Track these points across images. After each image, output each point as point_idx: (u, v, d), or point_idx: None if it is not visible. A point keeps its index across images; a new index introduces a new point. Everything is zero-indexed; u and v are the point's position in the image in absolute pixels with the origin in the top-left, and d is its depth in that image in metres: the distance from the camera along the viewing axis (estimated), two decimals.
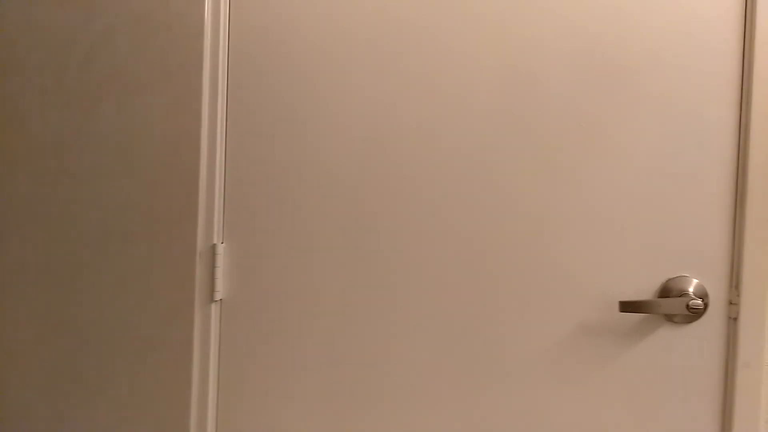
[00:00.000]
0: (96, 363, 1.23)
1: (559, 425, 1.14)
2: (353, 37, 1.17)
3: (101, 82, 1.22)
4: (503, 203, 1.14)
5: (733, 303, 1.10)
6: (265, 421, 1.20)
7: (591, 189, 1.13)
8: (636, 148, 1.12)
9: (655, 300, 1.10)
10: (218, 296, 1.19)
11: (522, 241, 1.14)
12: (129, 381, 1.21)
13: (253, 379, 1.20)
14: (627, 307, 1.09)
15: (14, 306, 1.26)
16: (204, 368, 1.19)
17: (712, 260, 1.10)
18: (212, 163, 1.19)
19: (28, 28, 1.25)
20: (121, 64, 1.21)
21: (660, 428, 1.12)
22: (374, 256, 1.17)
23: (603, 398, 1.13)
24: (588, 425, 1.13)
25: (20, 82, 1.25)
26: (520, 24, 1.14)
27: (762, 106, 1.08)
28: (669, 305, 1.08)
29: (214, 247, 1.19)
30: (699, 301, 1.07)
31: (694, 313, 1.08)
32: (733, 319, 1.10)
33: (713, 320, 1.11)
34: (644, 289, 1.12)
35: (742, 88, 1.10)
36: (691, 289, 1.10)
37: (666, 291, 1.11)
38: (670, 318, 1.11)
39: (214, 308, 1.20)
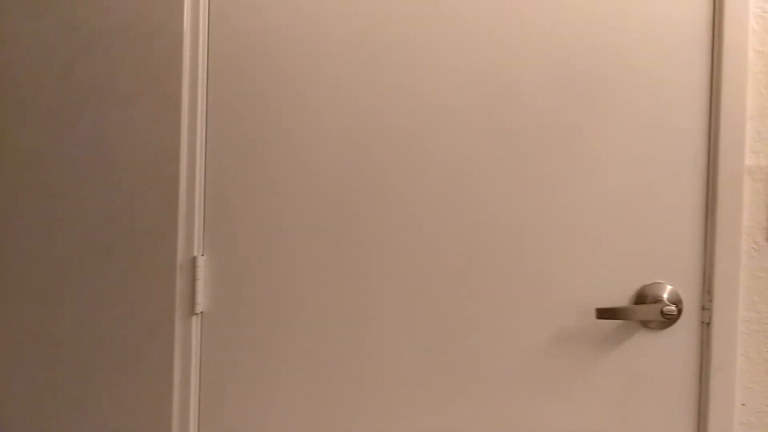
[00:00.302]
0: (76, 376, 1.22)
1: (538, 430, 1.15)
2: (335, 47, 1.18)
3: (80, 94, 1.21)
4: (481, 212, 1.16)
5: (705, 308, 1.12)
6: None
7: (567, 198, 1.15)
8: (610, 157, 1.14)
9: (631, 306, 1.12)
10: (199, 309, 1.19)
11: (500, 250, 1.16)
12: (110, 394, 1.21)
13: (234, 391, 1.20)
14: (603, 313, 1.10)
15: None
16: (185, 381, 1.19)
17: (684, 267, 1.13)
18: (192, 175, 1.19)
19: (7, 41, 1.24)
20: (101, 77, 1.21)
21: (637, 431, 1.14)
22: (355, 267, 1.18)
23: (581, 403, 1.15)
24: (566, 430, 1.15)
25: None
26: (498, 36, 1.15)
27: (730, 115, 1.11)
28: (644, 311, 1.10)
29: (194, 259, 1.19)
30: (673, 307, 1.09)
31: (669, 319, 1.10)
32: (706, 324, 1.12)
33: (687, 325, 1.13)
34: (620, 296, 1.14)
35: (711, 99, 1.13)
36: (665, 296, 1.12)
37: (641, 297, 1.13)
38: (645, 324, 1.13)
39: (195, 321, 1.19)
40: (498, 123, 1.16)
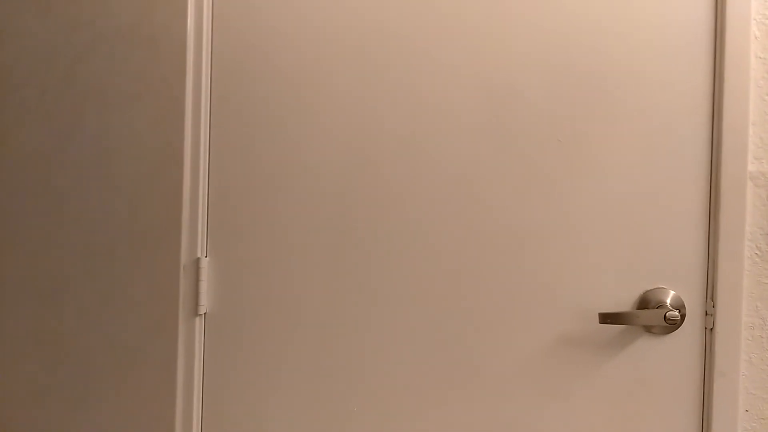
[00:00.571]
0: (80, 377, 1.21)
1: None
2: (337, 50, 1.18)
3: (84, 95, 1.21)
4: (483, 215, 1.16)
5: (708, 314, 1.12)
6: None
7: (570, 202, 1.15)
8: (613, 162, 1.14)
9: (634, 311, 1.12)
10: (202, 310, 1.19)
11: (502, 253, 1.16)
12: (113, 395, 1.20)
13: (237, 392, 1.20)
14: (606, 318, 1.10)
15: None
16: (188, 382, 1.18)
17: (687, 272, 1.13)
18: (196, 177, 1.19)
19: (11, 41, 1.24)
20: (104, 78, 1.21)
21: None
22: (357, 269, 1.18)
23: (583, 408, 1.14)
24: None
25: (2, 96, 1.24)
26: (500, 38, 1.16)
27: (733, 121, 1.11)
28: (647, 316, 1.10)
29: (198, 260, 1.19)
30: (676, 313, 1.09)
31: (672, 324, 1.10)
32: (709, 330, 1.12)
33: (690, 331, 1.13)
34: (623, 301, 1.14)
35: (713, 105, 1.13)
36: (668, 301, 1.12)
37: (644, 302, 1.13)
38: (648, 329, 1.13)
39: (198, 322, 1.19)
40: (500, 126, 1.16)
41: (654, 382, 1.13)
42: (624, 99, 1.14)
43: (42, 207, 1.23)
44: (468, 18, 1.17)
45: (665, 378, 1.13)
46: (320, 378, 1.18)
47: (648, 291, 1.13)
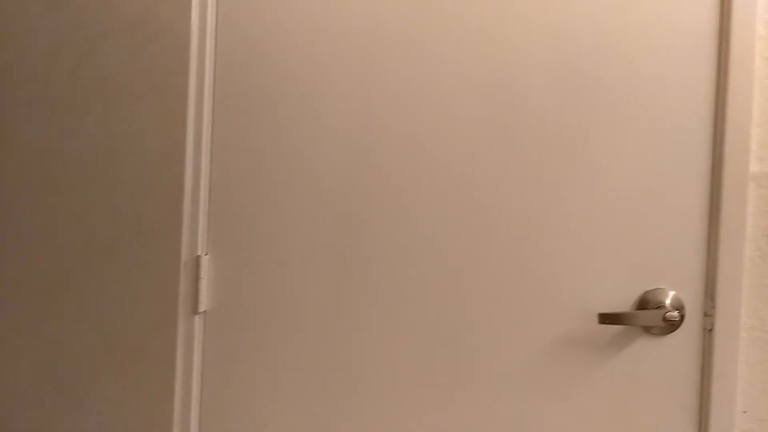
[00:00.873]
0: (79, 375, 1.22)
1: None
2: (340, 49, 1.18)
3: (87, 92, 1.22)
4: (483, 214, 1.16)
5: (708, 314, 1.12)
6: None
7: (570, 201, 1.15)
8: (614, 162, 1.14)
9: (633, 312, 1.12)
10: (202, 308, 1.20)
11: (502, 253, 1.16)
12: (112, 393, 1.21)
13: (236, 390, 1.21)
14: (605, 319, 1.10)
15: None
16: (187, 380, 1.19)
17: (687, 273, 1.13)
18: (197, 174, 1.20)
19: (15, 38, 1.25)
20: (108, 74, 1.21)
21: None
22: (357, 268, 1.18)
23: (582, 408, 1.14)
24: None
25: (6, 91, 1.25)
26: (502, 37, 1.15)
27: (736, 122, 1.10)
28: (646, 317, 1.10)
29: (198, 258, 1.19)
30: (675, 313, 1.08)
31: (671, 325, 1.10)
32: (708, 331, 1.12)
33: (689, 332, 1.13)
34: (622, 301, 1.14)
35: (717, 105, 1.12)
36: (667, 301, 1.12)
37: (643, 303, 1.13)
38: (647, 329, 1.13)
39: (198, 320, 1.20)
40: (501, 126, 1.16)
41: (653, 383, 1.13)
42: (627, 99, 1.13)
43: (43, 203, 1.23)
44: (470, 18, 1.16)
45: (664, 378, 1.13)
46: (319, 377, 1.19)
47: (647, 291, 1.13)
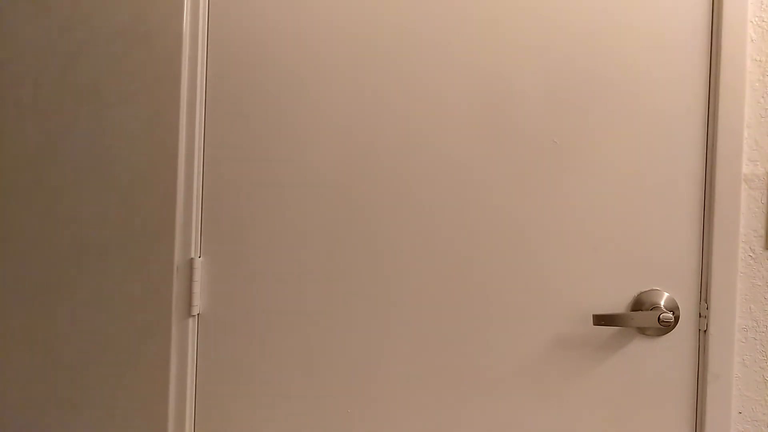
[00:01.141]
0: (72, 379, 1.21)
1: None
2: (333, 52, 1.18)
3: (79, 94, 1.21)
4: (478, 216, 1.16)
5: (702, 316, 1.12)
6: None
7: (564, 204, 1.15)
8: (608, 164, 1.14)
9: (628, 313, 1.12)
10: (195, 311, 1.19)
11: (496, 255, 1.16)
12: (106, 397, 1.20)
13: (230, 393, 1.20)
14: (600, 320, 1.10)
15: None
16: (181, 383, 1.18)
17: (682, 274, 1.13)
18: (190, 177, 1.19)
19: (6, 40, 1.24)
20: (100, 77, 1.20)
21: None
22: (352, 270, 1.18)
23: (577, 409, 1.14)
24: None
25: None
26: (498, 38, 1.16)
27: (728, 124, 1.11)
28: (641, 318, 1.10)
29: (191, 261, 1.18)
30: (670, 314, 1.09)
31: (666, 326, 1.10)
32: (702, 332, 1.13)
33: (684, 333, 1.13)
34: (617, 303, 1.14)
35: (708, 107, 1.13)
36: (662, 303, 1.12)
37: (638, 304, 1.13)
38: (642, 331, 1.13)
39: (192, 323, 1.19)
40: (496, 127, 1.16)
41: (647, 384, 1.13)
42: (619, 100, 1.14)
43: (35, 206, 1.22)
44: (467, 17, 1.16)
45: (659, 379, 1.13)
46: (314, 379, 1.18)
47: (642, 293, 1.14)
